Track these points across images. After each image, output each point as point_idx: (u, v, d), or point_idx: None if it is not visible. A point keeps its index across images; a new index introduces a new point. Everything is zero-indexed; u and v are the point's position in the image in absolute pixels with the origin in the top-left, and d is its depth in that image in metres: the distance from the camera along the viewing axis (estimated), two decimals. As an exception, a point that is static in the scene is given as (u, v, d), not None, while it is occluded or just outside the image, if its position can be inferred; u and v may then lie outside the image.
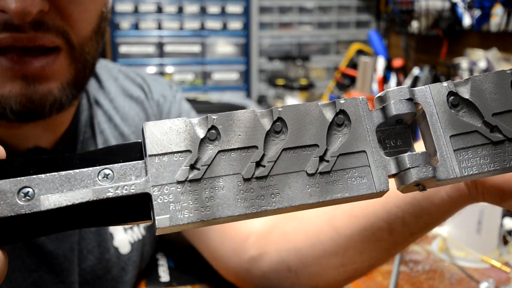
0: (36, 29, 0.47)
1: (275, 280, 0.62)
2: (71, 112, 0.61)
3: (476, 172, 0.32)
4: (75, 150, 0.62)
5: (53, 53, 0.50)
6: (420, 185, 0.31)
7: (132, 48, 2.41)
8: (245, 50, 2.52)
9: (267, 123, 0.31)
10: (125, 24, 2.38)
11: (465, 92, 0.33)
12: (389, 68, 2.07)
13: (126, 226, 0.67)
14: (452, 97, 0.33)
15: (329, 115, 0.32)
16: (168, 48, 2.44)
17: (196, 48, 2.48)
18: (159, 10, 2.40)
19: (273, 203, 0.30)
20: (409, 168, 0.31)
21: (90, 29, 0.52)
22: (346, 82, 2.19)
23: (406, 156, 0.31)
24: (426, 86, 0.33)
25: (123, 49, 2.40)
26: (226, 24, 2.48)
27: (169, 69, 2.46)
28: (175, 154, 0.29)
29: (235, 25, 2.49)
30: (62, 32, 0.49)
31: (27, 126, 0.55)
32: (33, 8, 0.45)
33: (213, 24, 2.47)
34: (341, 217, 0.55)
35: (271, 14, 2.53)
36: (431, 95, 0.33)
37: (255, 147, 0.30)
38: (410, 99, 0.32)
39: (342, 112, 0.32)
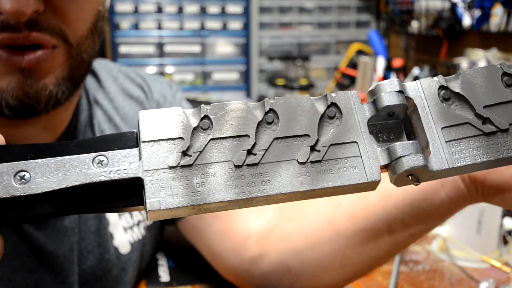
0: (31, 28, 0.47)
1: (275, 281, 0.62)
2: (70, 111, 0.61)
3: (469, 162, 0.32)
4: None
5: (49, 47, 0.50)
6: (413, 176, 0.31)
7: (132, 48, 2.41)
8: (245, 50, 2.53)
9: (259, 114, 0.31)
10: (125, 24, 2.38)
11: (456, 86, 0.33)
12: (389, 68, 2.07)
13: (126, 226, 0.67)
14: (443, 91, 0.33)
15: (320, 107, 0.32)
16: (168, 48, 2.44)
17: (196, 48, 2.48)
18: (159, 10, 2.40)
19: (264, 190, 0.30)
20: (400, 157, 0.31)
21: (86, 28, 0.53)
22: (346, 82, 2.19)
23: (397, 145, 0.31)
24: (417, 81, 0.33)
25: (123, 49, 2.40)
26: (226, 24, 2.48)
27: (169, 69, 2.46)
28: (168, 141, 0.30)
29: (235, 25, 2.49)
30: (58, 32, 0.49)
31: (26, 126, 0.55)
32: (27, 9, 0.45)
33: (213, 24, 2.47)
34: (341, 218, 0.55)
35: (271, 14, 2.53)
36: (422, 89, 0.33)
37: (247, 136, 0.31)
38: (401, 92, 0.32)
39: (333, 105, 0.32)
